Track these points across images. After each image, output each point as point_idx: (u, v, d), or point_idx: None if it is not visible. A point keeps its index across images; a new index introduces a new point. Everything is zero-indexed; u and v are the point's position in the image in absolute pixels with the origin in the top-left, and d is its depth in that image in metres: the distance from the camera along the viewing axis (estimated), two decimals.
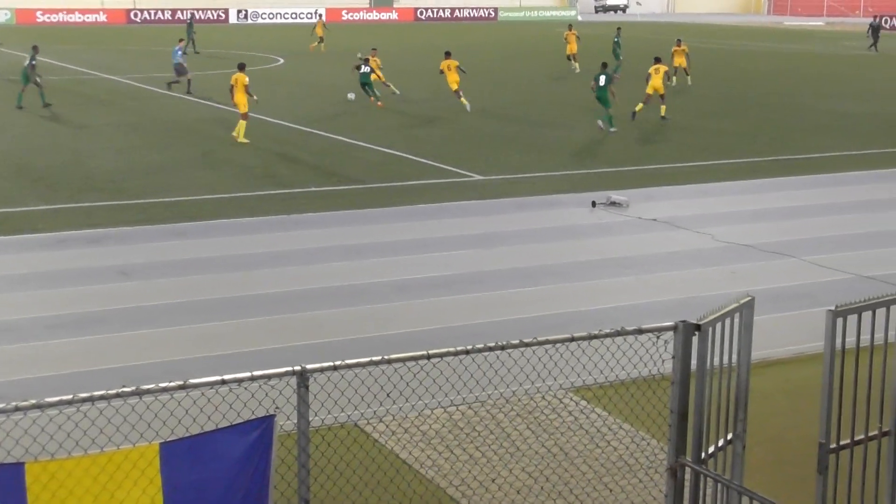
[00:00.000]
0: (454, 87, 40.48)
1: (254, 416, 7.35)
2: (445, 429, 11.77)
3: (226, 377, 7.28)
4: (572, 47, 56.84)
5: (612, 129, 34.58)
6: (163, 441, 7.01)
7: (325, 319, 16.09)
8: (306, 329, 15.61)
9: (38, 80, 40.08)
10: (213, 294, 17.28)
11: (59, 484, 6.63)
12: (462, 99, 39.92)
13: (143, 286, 17.68)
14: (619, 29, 60.53)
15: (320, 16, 75.57)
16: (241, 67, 32.76)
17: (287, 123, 36.12)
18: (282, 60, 61.02)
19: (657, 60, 38.16)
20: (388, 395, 10.21)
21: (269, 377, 7.39)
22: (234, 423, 7.35)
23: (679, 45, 49.71)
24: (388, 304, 16.89)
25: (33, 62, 40.38)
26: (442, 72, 40.81)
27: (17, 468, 6.61)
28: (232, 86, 32.29)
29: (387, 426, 11.70)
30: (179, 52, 45.45)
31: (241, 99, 31.90)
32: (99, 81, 49.74)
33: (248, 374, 7.36)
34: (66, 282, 17.87)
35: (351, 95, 42.19)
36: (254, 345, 14.85)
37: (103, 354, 14.49)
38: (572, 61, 56.30)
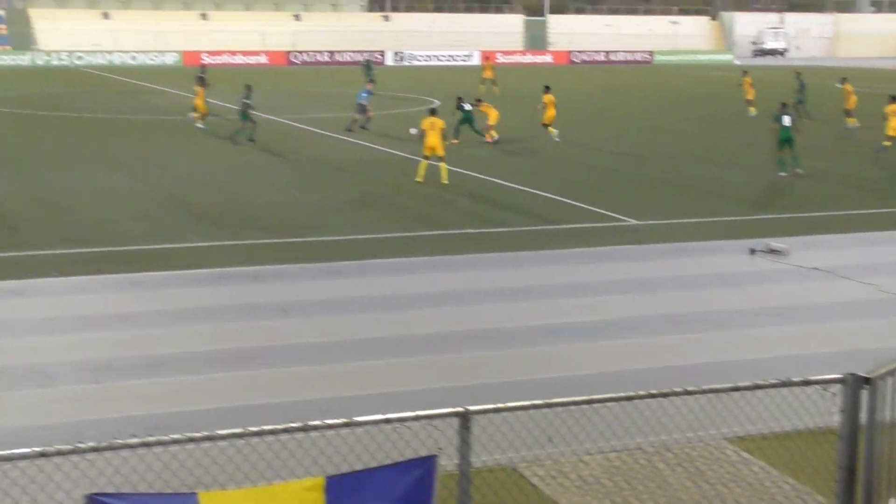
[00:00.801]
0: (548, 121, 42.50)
1: (416, 456, 7.41)
2: (603, 475, 11.68)
3: (389, 416, 7.36)
4: (750, 92, 56.00)
5: (786, 174, 34.24)
6: (327, 475, 7.11)
7: (479, 361, 16.12)
8: (461, 370, 15.66)
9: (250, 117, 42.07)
10: (369, 333, 17.46)
11: None
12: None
13: (301, 323, 17.97)
14: (799, 73, 58.86)
15: (486, 59, 75.88)
16: (433, 112, 33.49)
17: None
18: (437, 102, 61.66)
19: (893, 100, 39.16)
20: (549, 438, 10.20)
21: (431, 417, 7.45)
22: (396, 461, 7.41)
23: (843, 84, 49.75)
24: (541, 348, 16.86)
25: (246, 100, 42.13)
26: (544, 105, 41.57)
27: (191, 497, 6.79)
28: (424, 130, 32.58)
29: (546, 470, 11.66)
30: (365, 94, 46.75)
31: (436, 142, 32.27)
32: (260, 121, 50.83)
33: (412, 414, 7.43)
34: (228, 317, 18.26)
35: (413, 130, 42.54)
36: (410, 385, 14.95)
37: (263, 390, 14.75)
38: (750, 107, 55.63)
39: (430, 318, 18.40)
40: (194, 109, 46.85)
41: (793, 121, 35.02)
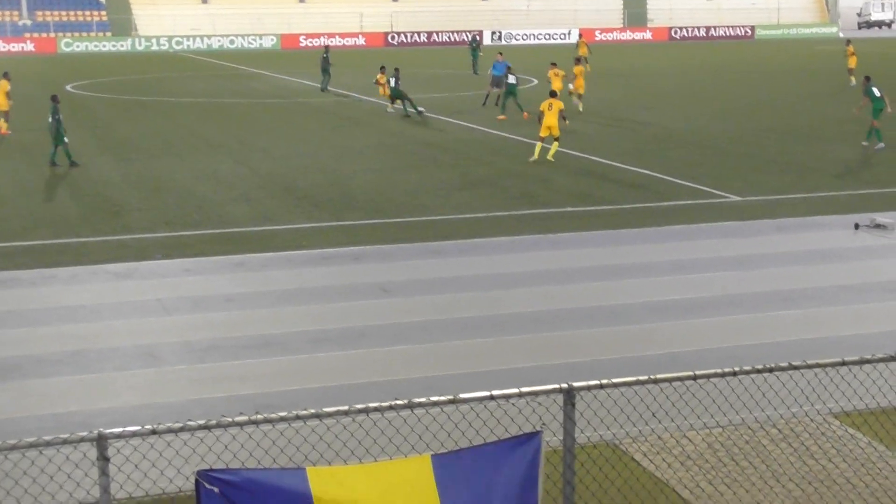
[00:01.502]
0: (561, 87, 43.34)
1: (521, 432, 7.43)
2: (707, 450, 11.61)
3: (494, 393, 7.39)
4: (852, 61, 57.33)
5: (880, 146, 33.73)
6: (433, 453, 7.17)
7: (582, 339, 16.11)
8: (564, 348, 15.67)
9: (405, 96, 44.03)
10: (471, 312, 17.53)
11: (341, 488, 6.87)
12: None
13: (403, 302, 18.09)
14: None
15: (580, 35, 75.49)
16: (554, 94, 33.53)
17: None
18: (535, 81, 61.46)
19: None
20: (653, 414, 10.17)
21: (536, 394, 7.47)
22: (501, 438, 7.44)
23: None
24: (645, 325, 16.79)
25: (397, 80, 44.07)
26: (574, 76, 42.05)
27: (300, 472, 6.90)
28: (542, 112, 32.51)
29: (649, 446, 11.63)
30: (501, 67, 46.95)
31: (554, 122, 32.26)
32: (358, 103, 51.15)
33: (515, 391, 7.46)
34: (331, 297, 18.45)
35: (421, 108, 44.50)
36: (512, 363, 14.99)
37: (366, 368, 14.89)
38: (850, 76, 56.65)
39: (530, 296, 18.40)
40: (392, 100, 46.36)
41: (883, 92, 34.90)
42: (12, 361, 15.32)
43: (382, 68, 47.46)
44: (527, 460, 7.34)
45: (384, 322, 16.97)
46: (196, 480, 6.97)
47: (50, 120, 32.31)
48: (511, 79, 43.97)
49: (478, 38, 76.53)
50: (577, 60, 47.55)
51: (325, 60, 56.21)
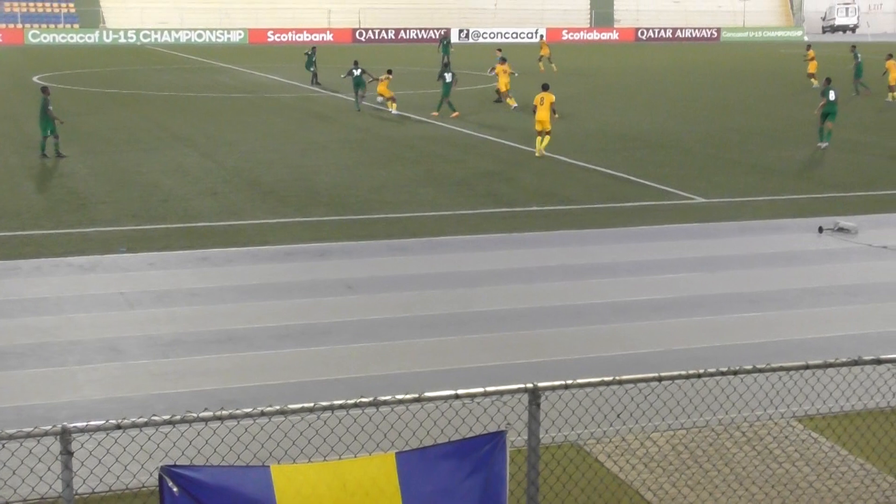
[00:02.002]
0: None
1: (486, 431, 7.43)
2: (671, 452, 11.65)
3: (459, 392, 7.39)
4: (812, 66, 58.69)
5: (824, 144, 35.20)
6: (398, 451, 7.16)
7: (546, 338, 16.11)
8: (528, 347, 15.67)
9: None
10: (435, 310, 17.51)
11: (304, 486, 6.85)
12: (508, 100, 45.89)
13: (367, 300, 18.05)
14: (854, 47, 59.75)
15: (541, 36, 76.04)
16: (546, 87, 34.18)
17: (508, 142, 36.36)
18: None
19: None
20: (618, 415, 10.19)
21: (501, 393, 7.47)
22: (466, 437, 7.44)
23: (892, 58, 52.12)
24: (609, 325, 16.82)
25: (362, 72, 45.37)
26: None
27: (264, 470, 6.88)
28: (535, 106, 33.31)
29: (613, 447, 11.65)
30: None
31: (545, 116, 33.06)
32: (324, 99, 51.06)
33: (481, 390, 7.46)
34: (295, 293, 18.39)
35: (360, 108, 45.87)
36: (477, 361, 14.97)
37: (330, 365, 14.85)
38: (812, 80, 57.81)
39: (495, 295, 18.40)
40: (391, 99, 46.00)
41: (837, 96, 35.74)
42: None
43: (389, 72, 46.71)
44: (491, 459, 7.34)
45: (348, 319, 16.92)
46: (160, 476, 6.94)
47: (43, 111, 32.33)
48: (448, 77, 45.15)
49: (443, 37, 76.56)
50: (503, 60, 49.04)
51: (310, 59, 57.60)
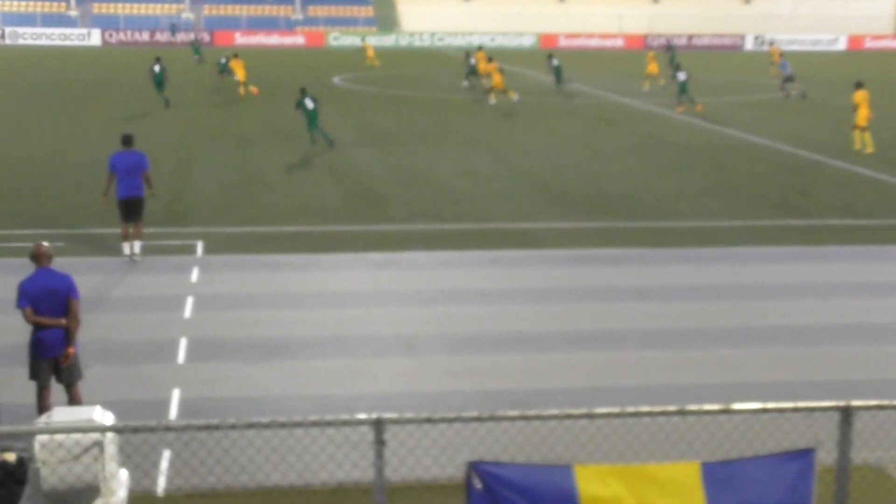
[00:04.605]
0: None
1: (793, 448, 7.28)
2: None
3: (768, 405, 7.26)
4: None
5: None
6: (703, 461, 7.10)
7: (845, 356, 15.63)
8: (827, 365, 15.23)
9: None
10: (727, 321, 17.24)
11: (606, 488, 6.88)
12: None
13: (659, 308, 17.92)
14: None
15: (771, 42, 74.59)
16: (860, 85, 36.63)
17: (802, 152, 35.42)
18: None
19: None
20: None
21: (811, 409, 7.30)
22: (773, 451, 7.31)
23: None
24: None
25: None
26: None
27: (567, 470, 6.94)
28: (857, 103, 35.70)
29: None
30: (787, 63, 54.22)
31: (863, 114, 35.61)
32: (614, 105, 50.93)
33: (790, 405, 7.31)
34: (587, 298, 18.45)
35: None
36: (771, 376, 14.67)
37: (622, 371, 14.82)
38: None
39: (789, 309, 17.97)
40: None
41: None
42: (281, 342, 15.90)
43: (490, 59, 50.31)
44: (799, 477, 7.19)
45: (640, 326, 16.85)
46: (466, 471, 7.09)
47: (308, 108, 35.27)
48: (681, 76, 47.04)
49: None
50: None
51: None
